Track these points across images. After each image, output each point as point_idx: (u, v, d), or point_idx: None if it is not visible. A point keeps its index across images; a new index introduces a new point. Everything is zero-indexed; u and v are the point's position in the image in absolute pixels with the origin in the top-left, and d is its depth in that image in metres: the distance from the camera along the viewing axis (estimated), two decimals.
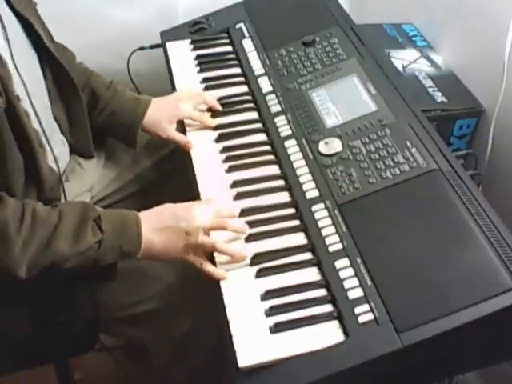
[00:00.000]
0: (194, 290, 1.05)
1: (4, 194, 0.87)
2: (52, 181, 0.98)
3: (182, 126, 1.17)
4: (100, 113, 1.18)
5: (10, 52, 0.92)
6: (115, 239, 0.89)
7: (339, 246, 0.88)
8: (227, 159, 1.07)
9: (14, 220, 0.84)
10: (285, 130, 1.09)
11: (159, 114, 1.16)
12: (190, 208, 0.93)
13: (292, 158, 1.04)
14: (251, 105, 1.18)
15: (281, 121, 1.11)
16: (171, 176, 1.27)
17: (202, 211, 0.93)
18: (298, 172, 1.01)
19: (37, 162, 0.93)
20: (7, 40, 0.93)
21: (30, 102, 0.96)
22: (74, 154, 1.19)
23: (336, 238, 0.89)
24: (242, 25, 1.35)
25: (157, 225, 0.91)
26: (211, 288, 0.89)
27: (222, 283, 0.88)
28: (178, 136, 1.14)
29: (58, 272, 0.88)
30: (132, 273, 1.03)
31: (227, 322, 0.82)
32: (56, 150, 1.05)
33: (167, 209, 0.94)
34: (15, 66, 0.93)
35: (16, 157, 0.90)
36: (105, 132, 1.22)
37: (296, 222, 0.95)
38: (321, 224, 0.92)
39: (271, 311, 0.82)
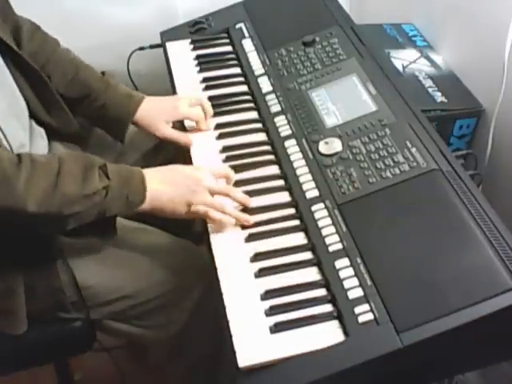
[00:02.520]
0: (183, 283, 1.05)
1: None
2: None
3: (182, 128, 1.17)
4: (90, 104, 1.17)
5: None
6: (122, 187, 0.89)
7: (339, 246, 0.88)
8: (227, 159, 1.07)
9: (10, 163, 0.83)
10: (285, 130, 1.09)
11: (156, 113, 1.16)
12: (198, 168, 0.97)
13: (292, 157, 1.04)
14: (251, 105, 1.18)
15: (281, 121, 1.11)
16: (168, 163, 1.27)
17: (209, 173, 0.96)
18: (298, 172, 1.01)
19: None
20: None
21: None
22: (59, 139, 1.17)
23: (336, 237, 0.89)
24: (241, 25, 1.36)
25: (165, 178, 0.94)
26: (209, 285, 0.89)
27: (222, 283, 0.87)
28: (177, 134, 1.14)
29: (67, 219, 0.88)
30: (122, 264, 1.03)
31: (227, 322, 0.82)
32: (18, 133, 1.03)
33: (176, 167, 0.97)
34: None
35: None
36: (94, 123, 1.21)
37: (296, 222, 0.95)
38: (321, 224, 0.92)
39: (271, 311, 0.82)
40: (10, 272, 0.97)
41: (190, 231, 1.19)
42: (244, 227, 0.95)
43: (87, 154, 0.92)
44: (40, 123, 1.15)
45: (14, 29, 1.13)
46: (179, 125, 1.18)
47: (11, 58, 1.07)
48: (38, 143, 1.12)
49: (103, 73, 1.20)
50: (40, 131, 1.14)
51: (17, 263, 0.97)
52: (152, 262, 1.04)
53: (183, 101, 1.16)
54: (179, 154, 1.13)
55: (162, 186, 0.93)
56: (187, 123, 1.16)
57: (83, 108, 1.17)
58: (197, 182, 0.94)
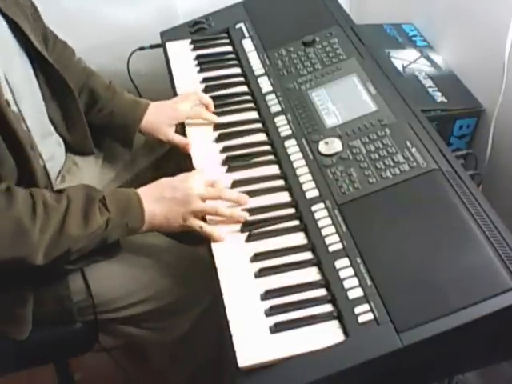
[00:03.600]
0: (194, 291, 1.06)
1: (11, 186, 0.88)
2: (44, 180, 0.98)
3: (181, 127, 1.17)
4: (98, 113, 1.19)
5: None
6: (121, 217, 0.91)
7: (339, 246, 0.88)
8: (227, 159, 1.07)
9: (27, 211, 0.85)
10: (285, 130, 1.09)
11: (159, 118, 1.17)
12: (186, 178, 0.98)
13: (292, 157, 1.04)
14: (251, 105, 1.18)
15: (281, 121, 1.11)
16: (170, 175, 1.27)
17: (197, 181, 0.97)
18: (298, 172, 1.01)
19: (30, 165, 0.93)
20: None
21: (16, 105, 0.96)
22: (72, 152, 1.19)
23: (336, 237, 0.89)
24: (241, 25, 1.35)
25: (155, 197, 0.95)
26: (211, 288, 0.89)
27: (222, 283, 0.87)
28: (178, 138, 1.15)
29: (71, 255, 0.90)
30: (130, 272, 1.04)
31: (227, 322, 0.82)
32: (49, 149, 1.05)
33: (163, 182, 0.98)
34: (2, 70, 0.93)
35: (7, 159, 0.91)
36: (102, 132, 1.22)
37: (296, 222, 0.94)
38: (321, 224, 0.92)
39: (271, 311, 0.82)
40: (22, 282, 0.97)
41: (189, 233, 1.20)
42: (244, 227, 0.94)
43: (87, 186, 0.93)
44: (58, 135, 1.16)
45: (42, 35, 1.15)
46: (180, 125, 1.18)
47: (40, 67, 1.08)
48: (57, 151, 1.14)
49: (110, 82, 1.22)
50: (58, 140, 1.15)
51: (28, 273, 0.97)
52: (162, 269, 1.05)
53: (183, 102, 1.17)
54: (189, 160, 1.13)
55: (155, 205, 0.94)
56: (186, 121, 1.17)
57: (92, 117, 1.19)
58: (186, 193, 0.95)
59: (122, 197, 0.94)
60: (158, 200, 0.94)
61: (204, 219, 0.96)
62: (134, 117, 1.18)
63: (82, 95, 1.18)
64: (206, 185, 0.98)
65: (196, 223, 0.95)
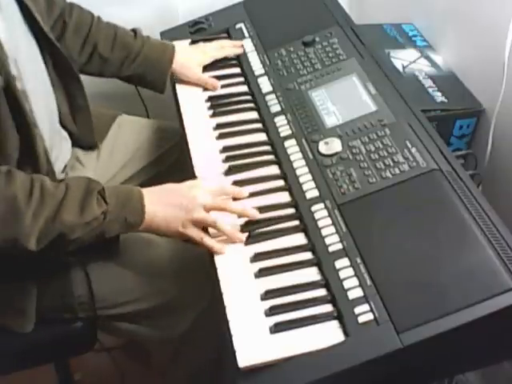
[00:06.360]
0: (194, 288, 1.06)
1: (12, 168, 0.88)
2: (46, 167, 0.97)
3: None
4: (132, 62, 1.22)
5: (6, 33, 0.92)
6: (119, 210, 0.90)
7: (339, 246, 0.88)
8: (227, 159, 1.07)
9: (23, 193, 0.85)
10: (285, 130, 1.09)
11: (188, 61, 1.24)
12: (194, 186, 0.96)
13: (292, 158, 1.04)
14: (251, 105, 1.18)
15: (281, 121, 1.11)
16: (171, 171, 1.27)
17: (204, 190, 0.95)
18: (298, 172, 1.01)
19: (32, 142, 0.93)
20: (3, 21, 0.93)
21: (22, 83, 0.95)
22: (77, 146, 1.20)
23: (336, 237, 0.89)
24: (241, 25, 1.36)
25: (159, 199, 0.94)
26: (211, 287, 0.89)
27: (222, 283, 0.87)
28: (207, 78, 1.23)
29: (66, 245, 0.89)
30: (131, 268, 1.04)
31: (227, 322, 0.82)
32: (52, 137, 1.05)
33: (171, 186, 0.97)
34: (9, 48, 0.92)
35: (11, 136, 0.91)
36: (136, 82, 1.27)
37: (296, 222, 0.94)
38: (321, 224, 0.92)
39: (271, 311, 0.82)
40: (24, 272, 0.98)
41: None
42: (244, 227, 0.94)
43: (89, 178, 0.93)
44: (63, 128, 1.17)
45: (61, 12, 1.18)
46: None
47: (48, 52, 1.08)
48: (64, 146, 1.14)
49: (134, 30, 1.25)
50: (65, 134, 1.16)
51: (30, 263, 0.97)
52: (163, 266, 1.05)
53: (210, 46, 1.26)
54: (178, 165, 1.13)
55: (158, 206, 0.93)
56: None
57: (125, 68, 1.22)
58: (191, 201, 0.94)
59: (123, 191, 0.93)
60: (162, 203, 0.93)
61: (206, 230, 0.95)
62: (165, 59, 1.22)
63: (115, 51, 1.21)
64: (214, 194, 0.96)
65: (196, 233, 0.93)
